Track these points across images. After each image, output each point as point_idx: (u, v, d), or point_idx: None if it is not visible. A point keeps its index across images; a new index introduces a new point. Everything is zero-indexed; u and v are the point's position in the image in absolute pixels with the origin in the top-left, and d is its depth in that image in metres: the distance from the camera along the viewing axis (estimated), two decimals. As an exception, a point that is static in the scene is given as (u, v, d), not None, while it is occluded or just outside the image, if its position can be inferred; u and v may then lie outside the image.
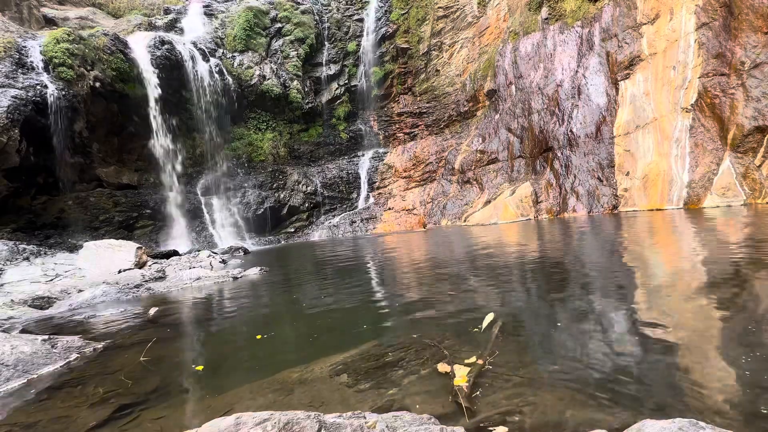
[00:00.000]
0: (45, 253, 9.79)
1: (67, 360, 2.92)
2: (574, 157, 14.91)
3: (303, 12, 22.74)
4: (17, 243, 9.92)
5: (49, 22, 18.22)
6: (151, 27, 20.05)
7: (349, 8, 24.08)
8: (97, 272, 7.98)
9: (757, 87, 10.57)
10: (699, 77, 11.84)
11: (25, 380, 2.60)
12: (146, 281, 7.09)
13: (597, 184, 14.02)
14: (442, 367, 2.03)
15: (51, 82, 13.01)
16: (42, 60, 13.34)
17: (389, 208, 21.02)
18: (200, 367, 2.60)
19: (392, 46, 22.82)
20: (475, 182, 18.82)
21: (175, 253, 11.93)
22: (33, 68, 13.12)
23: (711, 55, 11.65)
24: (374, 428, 1.32)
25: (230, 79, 19.63)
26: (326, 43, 23.49)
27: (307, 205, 20.91)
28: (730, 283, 2.98)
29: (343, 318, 3.41)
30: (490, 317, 2.76)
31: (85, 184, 14.52)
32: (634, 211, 12.53)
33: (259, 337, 3.10)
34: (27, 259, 9.08)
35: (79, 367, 2.80)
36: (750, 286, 2.87)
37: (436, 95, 22.16)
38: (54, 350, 2.96)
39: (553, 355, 2.06)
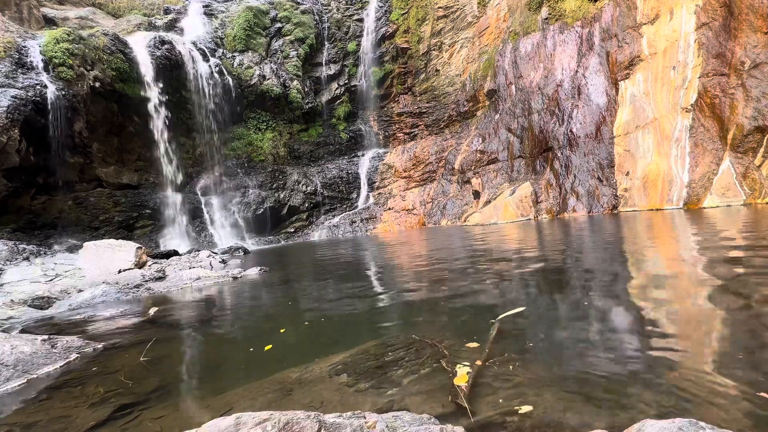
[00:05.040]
0: (45, 253, 9.78)
1: (67, 360, 2.92)
2: (574, 157, 14.91)
3: (303, 12, 22.75)
4: (17, 243, 9.92)
5: (49, 22, 18.22)
6: (151, 27, 20.05)
7: (349, 8, 24.08)
8: (97, 272, 7.98)
9: (757, 87, 10.57)
10: (699, 77, 11.84)
11: (25, 380, 2.60)
12: (146, 281, 7.09)
13: (597, 184, 14.03)
14: (442, 366, 2.03)
15: (51, 82, 13.01)
16: (42, 60, 13.35)
17: (389, 208, 21.02)
18: (269, 346, 2.76)
19: (392, 46, 22.83)
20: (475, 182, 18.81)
21: (175, 253, 11.93)
22: (33, 68, 13.12)
23: (711, 55, 11.65)
24: (374, 428, 1.32)
25: (230, 79, 19.64)
26: (326, 43, 23.50)
27: (306, 205, 20.91)
28: (731, 283, 2.98)
29: (342, 317, 3.42)
30: (517, 310, 2.83)
31: (85, 184, 14.53)
32: (633, 211, 12.53)
33: (282, 330, 3.17)
34: (27, 259, 9.08)
35: (79, 367, 2.80)
36: (751, 285, 2.87)
37: (436, 95, 22.16)
38: (54, 350, 2.96)
39: (554, 355, 2.06)
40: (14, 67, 12.76)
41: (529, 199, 15.55)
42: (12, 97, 11.80)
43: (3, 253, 8.88)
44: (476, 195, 17.98)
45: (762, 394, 1.48)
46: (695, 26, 12.14)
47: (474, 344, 2.30)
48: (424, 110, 22.52)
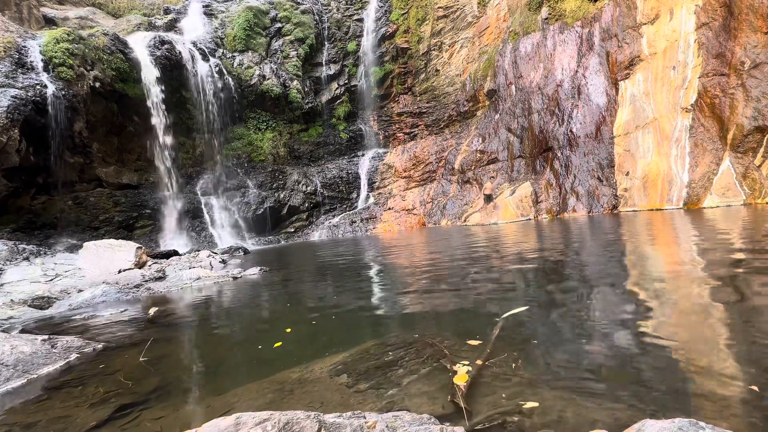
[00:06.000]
0: (45, 253, 9.78)
1: (67, 360, 2.92)
2: (574, 157, 14.91)
3: (303, 12, 22.75)
4: (17, 243, 9.91)
5: (49, 22, 18.23)
6: (151, 27, 20.06)
7: (349, 8, 24.09)
8: (97, 272, 7.98)
9: (757, 87, 10.58)
10: (699, 77, 11.84)
11: (25, 380, 2.60)
12: (146, 281, 7.09)
13: (597, 184, 14.03)
14: (442, 366, 2.03)
15: (51, 82, 13.01)
16: (42, 60, 13.34)
17: (389, 208, 21.02)
18: (278, 344, 2.78)
19: (392, 46, 22.83)
20: (475, 182, 18.82)
21: (174, 253, 11.92)
22: (33, 68, 13.12)
23: (711, 55, 11.65)
24: (374, 428, 1.32)
25: (230, 79, 19.64)
26: (326, 43, 23.50)
27: (306, 205, 20.91)
28: (731, 283, 2.98)
29: (342, 317, 3.42)
30: (520, 309, 2.85)
31: (85, 184, 14.53)
32: (633, 211, 12.53)
33: (288, 330, 3.18)
34: (27, 259, 9.08)
35: (79, 367, 2.80)
36: (751, 284, 2.87)
37: (436, 95, 22.16)
38: (54, 350, 2.96)
39: (554, 355, 2.06)
40: (14, 67, 12.76)
41: (529, 199, 15.55)
42: (12, 97, 11.79)
43: (3, 253, 8.88)
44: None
45: (754, 387, 1.50)
46: (695, 26, 12.14)
47: (474, 343, 2.30)
48: (424, 110, 22.52)
